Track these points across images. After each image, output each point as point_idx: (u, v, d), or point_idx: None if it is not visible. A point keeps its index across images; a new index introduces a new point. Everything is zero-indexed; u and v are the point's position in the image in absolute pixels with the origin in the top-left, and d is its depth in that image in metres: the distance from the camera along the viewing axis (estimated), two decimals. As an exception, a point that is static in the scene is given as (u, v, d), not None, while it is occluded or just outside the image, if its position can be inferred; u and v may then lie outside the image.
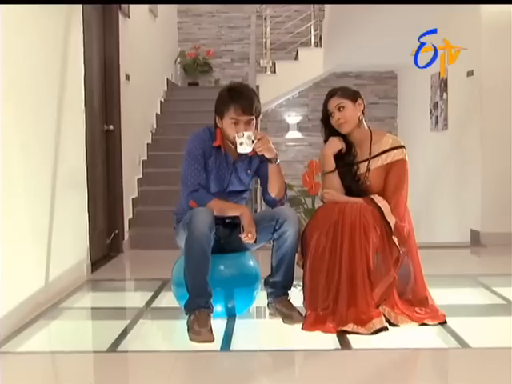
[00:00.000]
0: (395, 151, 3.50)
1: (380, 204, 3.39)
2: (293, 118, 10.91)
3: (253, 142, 3.28)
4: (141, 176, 6.94)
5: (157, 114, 8.12)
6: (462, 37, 6.39)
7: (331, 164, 3.53)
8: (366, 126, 3.57)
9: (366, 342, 3.10)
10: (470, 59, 6.32)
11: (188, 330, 3.15)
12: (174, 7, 10.20)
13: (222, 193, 3.46)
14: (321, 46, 9.45)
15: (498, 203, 6.10)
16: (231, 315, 3.51)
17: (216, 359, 3.01)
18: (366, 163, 3.53)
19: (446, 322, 3.37)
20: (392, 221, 3.38)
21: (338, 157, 3.54)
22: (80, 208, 4.68)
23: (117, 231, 5.85)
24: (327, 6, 8.77)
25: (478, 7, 6.09)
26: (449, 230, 7.13)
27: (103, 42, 5.73)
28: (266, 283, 3.50)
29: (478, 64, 6.19)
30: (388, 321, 3.28)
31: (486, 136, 6.18)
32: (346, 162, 3.54)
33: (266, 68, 9.58)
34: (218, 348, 3.05)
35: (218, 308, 3.38)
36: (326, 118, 3.56)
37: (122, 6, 6.06)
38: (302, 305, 3.44)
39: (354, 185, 3.50)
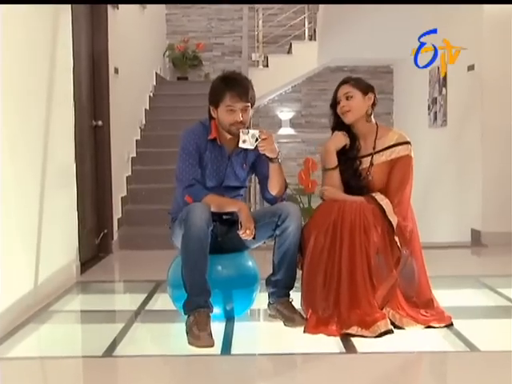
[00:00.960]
0: (400, 147, 3.51)
1: (382, 203, 3.39)
2: (285, 113, 10.91)
3: (256, 140, 3.27)
4: (130, 173, 6.91)
5: (145, 109, 8.09)
6: (463, 30, 6.41)
7: (333, 160, 3.53)
8: (373, 121, 3.58)
9: (370, 346, 3.09)
10: (470, 53, 6.31)
11: (187, 332, 3.14)
12: (162, -3, 10.17)
13: (217, 188, 3.46)
14: (315, 39, 9.45)
15: (500, 202, 6.11)
16: (230, 318, 3.50)
17: (217, 364, 3.00)
18: (369, 158, 3.53)
19: (452, 324, 3.37)
20: (394, 220, 3.38)
21: (341, 151, 3.55)
22: (69, 207, 4.65)
23: (106, 231, 5.82)
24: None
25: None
26: (448, 229, 7.14)
27: (92, 33, 5.70)
28: (268, 282, 3.49)
29: (478, 58, 6.20)
30: (393, 323, 3.28)
31: (487, 132, 6.19)
32: (348, 156, 3.54)
33: (258, 62, 9.58)
34: (219, 352, 3.04)
35: (216, 310, 3.35)
36: (334, 104, 3.58)
37: (111, -4, 6.03)
38: (300, 306, 3.44)
39: (353, 180, 3.50)
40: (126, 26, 6.76)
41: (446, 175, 7.32)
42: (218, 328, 3.26)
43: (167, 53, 10.05)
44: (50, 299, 4.06)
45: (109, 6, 5.95)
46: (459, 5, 6.36)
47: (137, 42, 7.56)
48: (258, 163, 3.53)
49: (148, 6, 8.25)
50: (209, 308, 3.20)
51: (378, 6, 6.93)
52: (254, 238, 3.34)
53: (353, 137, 3.56)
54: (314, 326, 3.27)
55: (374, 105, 3.55)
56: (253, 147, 3.29)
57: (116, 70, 6.19)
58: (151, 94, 8.55)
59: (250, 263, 3.61)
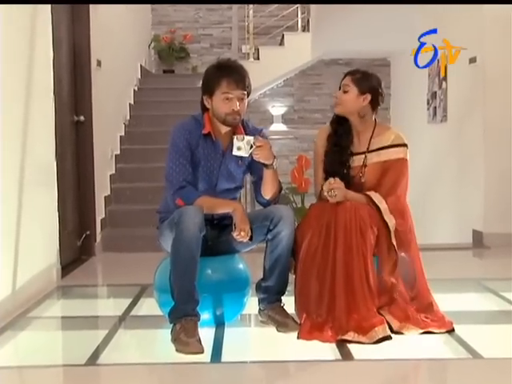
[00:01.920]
0: (395, 149, 3.53)
1: (380, 206, 3.40)
2: (277, 108, 10.91)
3: (251, 147, 3.27)
4: (113, 172, 6.90)
5: (130, 104, 8.08)
6: (465, 20, 6.42)
7: (320, 156, 3.61)
8: (372, 119, 3.60)
9: (368, 352, 3.09)
10: (472, 45, 6.34)
11: (173, 340, 3.13)
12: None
13: (211, 190, 3.44)
14: (308, 30, 9.47)
15: (502, 202, 6.13)
16: (219, 323, 3.49)
17: (206, 372, 2.99)
18: (361, 156, 3.55)
19: (453, 329, 3.38)
20: (391, 221, 3.39)
21: (334, 134, 3.59)
22: (50, 207, 4.64)
23: (88, 232, 5.81)
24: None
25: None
26: (449, 230, 7.16)
27: (72, 23, 5.68)
28: (258, 288, 3.49)
29: (481, 50, 6.21)
30: (391, 329, 3.28)
31: (489, 129, 6.21)
32: (339, 141, 3.55)
33: (248, 54, 9.57)
34: (208, 359, 3.04)
35: (206, 316, 3.35)
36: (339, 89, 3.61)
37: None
38: (294, 311, 3.45)
39: (340, 172, 3.50)
40: (108, 16, 6.74)
41: (446, 174, 7.34)
42: (207, 334, 3.26)
43: (152, 44, 10.04)
44: (29, 305, 4.04)
45: (91, -5, 5.94)
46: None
47: (120, 33, 7.55)
48: (254, 161, 3.49)
49: (132, -6, 8.25)
50: (196, 316, 3.19)
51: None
52: (250, 239, 3.33)
53: (348, 127, 3.58)
54: (308, 331, 3.27)
55: (375, 106, 3.56)
56: (247, 155, 3.29)
57: (98, 63, 6.17)
58: (136, 88, 8.53)
59: (241, 266, 3.61)
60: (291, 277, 3.50)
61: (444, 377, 3.04)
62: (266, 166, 3.36)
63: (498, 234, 6.06)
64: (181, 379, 2.93)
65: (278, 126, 10.83)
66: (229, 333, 3.42)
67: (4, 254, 3.81)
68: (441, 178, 7.54)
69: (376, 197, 3.44)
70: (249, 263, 3.67)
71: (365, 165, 3.53)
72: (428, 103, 7.90)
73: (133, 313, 3.94)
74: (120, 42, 7.47)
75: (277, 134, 10.87)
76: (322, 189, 3.48)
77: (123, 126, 7.62)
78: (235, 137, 3.29)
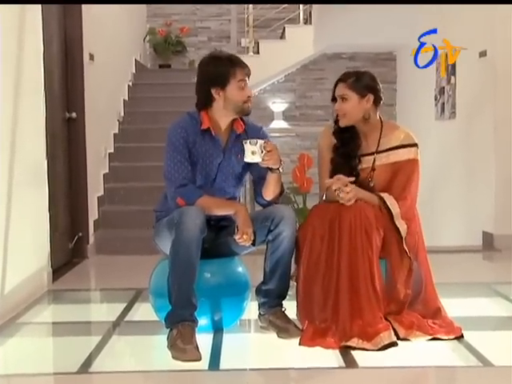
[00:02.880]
0: (405, 149, 3.52)
1: (393, 211, 3.39)
2: (278, 105, 10.92)
3: (262, 151, 3.28)
4: (107, 171, 6.90)
5: (124, 100, 8.08)
6: (475, 13, 6.41)
7: (325, 158, 3.60)
8: (377, 117, 3.58)
9: (373, 359, 3.10)
10: (482, 38, 6.35)
11: (170, 347, 3.13)
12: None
13: (208, 187, 3.45)
14: (310, 23, 9.47)
15: (514, 202, 6.14)
16: (218, 329, 3.49)
17: (204, 379, 3.01)
18: (370, 158, 3.54)
19: (462, 336, 3.38)
20: (403, 227, 3.39)
21: (340, 145, 3.57)
22: (40, 207, 4.63)
23: (80, 234, 5.81)
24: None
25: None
26: (457, 232, 7.16)
27: (64, 16, 5.68)
28: (258, 292, 3.49)
29: (491, 43, 6.21)
30: (397, 335, 3.28)
31: (500, 126, 6.20)
32: (346, 151, 3.55)
33: (247, 48, 9.57)
34: (206, 367, 3.04)
35: (203, 321, 3.35)
36: (333, 99, 3.59)
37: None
38: (295, 317, 3.45)
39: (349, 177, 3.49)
40: (102, 8, 6.74)
41: (455, 172, 7.34)
42: (205, 340, 3.26)
43: (148, 38, 10.04)
44: (19, 310, 4.04)
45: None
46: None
47: (114, 26, 7.55)
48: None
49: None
50: (194, 322, 3.20)
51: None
52: (253, 243, 3.34)
53: (354, 133, 3.57)
54: (311, 337, 3.27)
55: (376, 105, 3.54)
56: (261, 159, 3.29)
57: (91, 57, 6.17)
58: (130, 84, 8.53)
59: (240, 269, 3.61)
60: (292, 281, 3.50)
61: (453, 385, 3.05)
62: (271, 170, 3.38)
63: (510, 236, 6.05)
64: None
65: (279, 123, 10.85)
66: (227, 339, 3.42)
67: (-8, 256, 3.82)
68: (449, 176, 7.53)
69: (389, 199, 3.42)
70: (248, 266, 3.67)
71: (373, 168, 3.52)
72: (436, 99, 7.90)
73: (127, 318, 3.94)
74: (114, 35, 7.47)
75: (278, 132, 10.86)
76: (327, 190, 3.45)
77: (117, 123, 7.63)
78: (248, 141, 3.29)
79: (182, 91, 8.01)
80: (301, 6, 9.80)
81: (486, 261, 6.03)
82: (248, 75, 3.44)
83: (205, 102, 3.45)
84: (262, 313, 3.51)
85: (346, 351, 3.17)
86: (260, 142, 3.28)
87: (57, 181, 5.30)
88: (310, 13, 9.54)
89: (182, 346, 3.07)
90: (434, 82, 7.88)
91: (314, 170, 3.91)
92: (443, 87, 7.58)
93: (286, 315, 3.45)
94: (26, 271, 4.29)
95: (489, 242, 6.23)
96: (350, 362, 3.07)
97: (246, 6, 9.76)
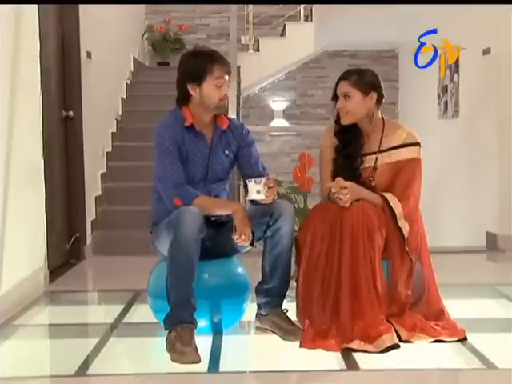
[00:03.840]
0: (407, 149, 3.52)
1: (396, 211, 3.39)
2: (278, 103, 10.91)
3: (265, 189, 3.30)
4: (105, 170, 6.90)
5: (122, 99, 8.07)
6: (478, 9, 6.40)
7: (326, 157, 3.61)
8: (379, 116, 3.58)
9: (375, 362, 3.10)
10: (486, 35, 6.35)
11: (169, 349, 3.13)
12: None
13: (203, 181, 3.47)
14: (311, 20, 9.46)
15: (518, 202, 6.14)
16: (217, 331, 3.50)
17: (203, 382, 3.01)
18: (372, 157, 3.54)
19: (466, 338, 3.38)
20: (405, 228, 3.39)
21: (342, 145, 3.56)
22: (37, 208, 4.64)
23: (77, 235, 5.81)
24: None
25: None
26: (461, 232, 7.17)
27: (61, 12, 5.68)
28: (259, 292, 3.49)
29: (495, 41, 6.21)
30: (399, 337, 3.28)
31: (504, 124, 6.20)
32: (348, 152, 3.55)
33: (247, 46, 9.58)
34: (205, 369, 3.04)
35: (202, 323, 3.36)
36: (334, 98, 3.59)
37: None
38: (295, 318, 3.45)
39: (350, 179, 3.49)
40: (99, 6, 6.73)
41: (458, 172, 7.34)
42: (204, 342, 3.26)
43: (146, 35, 10.02)
44: (15, 312, 4.04)
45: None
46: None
47: (112, 23, 7.54)
48: (241, 155, 3.56)
49: (124, -18, 8.25)
50: (193, 324, 3.20)
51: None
52: (251, 244, 3.34)
53: (356, 133, 3.57)
54: (311, 339, 3.27)
55: (379, 102, 3.55)
56: (264, 196, 3.30)
57: (88, 55, 6.17)
58: (128, 82, 8.52)
59: (240, 270, 3.61)
60: (292, 281, 3.50)
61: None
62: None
63: (514, 237, 6.06)
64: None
65: (279, 122, 10.84)
66: (227, 341, 3.42)
67: (-12, 257, 3.82)
68: (452, 176, 7.54)
69: (392, 200, 3.42)
70: (248, 267, 3.67)
71: (375, 167, 3.53)
72: (439, 97, 7.90)
73: (125, 320, 3.95)
74: (111, 33, 7.47)
75: (278, 131, 10.90)
76: (330, 191, 3.45)
77: (115, 121, 7.61)
78: (252, 180, 3.30)
79: (181, 89, 8.00)
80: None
81: (490, 261, 6.04)
82: (228, 73, 3.44)
83: (182, 98, 3.47)
84: (263, 313, 3.50)
85: (347, 353, 3.18)
86: (264, 180, 3.30)
87: (53, 180, 5.30)
88: (311, 10, 9.53)
89: (180, 348, 3.07)
90: (437, 80, 7.88)
91: (315, 169, 3.90)
92: (446, 85, 7.58)
93: (288, 317, 3.46)
94: (22, 272, 4.29)
95: (492, 243, 6.23)
96: (351, 365, 3.08)
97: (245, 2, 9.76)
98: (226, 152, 3.53)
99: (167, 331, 3.21)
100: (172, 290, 3.20)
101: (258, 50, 9.45)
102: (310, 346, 3.25)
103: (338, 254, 3.33)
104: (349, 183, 3.38)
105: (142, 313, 3.91)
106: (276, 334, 3.43)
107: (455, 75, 7.25)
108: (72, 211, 5.79)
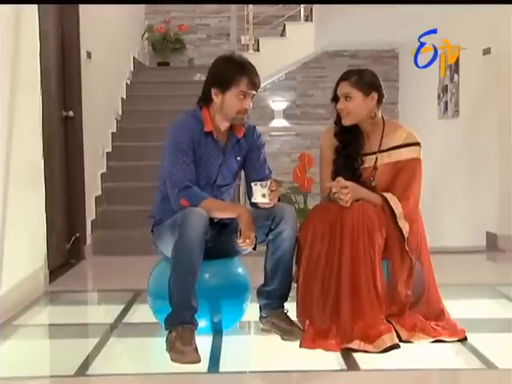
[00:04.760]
0: (407, 149, 3.52)
1: (396, 211, 3.39)
2: (278, 103, 10.91)
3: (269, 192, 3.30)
4: (105, 170, 6.90)
5: (122, 99, 8.08)
6: (479, 9, 6.40)
7: (327, 157, 3.61)
8: (380, 116, 3.58)
9: (375, 362, 3.10)
10: (486, 35, 6.35)
11: (169, 349, 3.13)
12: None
13: (209, 186, 3.47)
14: (311, 20, 9.45)
15: (518, 202, 6.14)
16: (217, 331, 3.50)
17: (203, 382, 3.01)
18: (372, 157, 3.54)
19: (466, 338, 3.38)
20: (405, 228, 3.39)
21: (342, 146, 3.56)
22: (37, 208, 4.63)
23: (78, 235, 5.81)
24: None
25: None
26: (461, 232, 7.17)
27: (61, 12, 5.68)
28: (260, 294, 3.49)
29: (495, 41, 6.21)
30: (399, 337, 3.28)
31: (505, 124, 6.19)
32: (348, 152, 3.55)
33: (247, 46, 9.55)
34: (205, 369, 3.04)
35: (203, 323, 3.35)
36: (334, 99, 3.59)
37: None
38: (296, 318, 3.45)
39: (352, 179, 3.49)
40: (99, 5, 6.73)
41: (458, 172, 7.34)
42: (204, 342, 3.26)
43: (146, 35, 10.03)
44: (15, 312, 4.04)
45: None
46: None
47: (112, 23, 7.54)
48: (250, 163, 3.57)
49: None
50: (194, 324, 3.19)
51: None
52: (254, 248, 3.34)
53: (356, 133, 3.57)
54: (311, 339, 3.27)
55: (379, 102, 3.54)
56: (268, 200, 3.31)
57: (89, 55, 6.17)
58: (128, 82, 8.53)
59: (240, 270, 3.61)
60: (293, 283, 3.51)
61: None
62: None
63: (514, 237, 6.06)
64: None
65: (279, 122, 10.84)
66: (227, 341, 3.42)
67: (-12, 257, 3.82)
68: (452, 176, 7.54)
69: (392, 200, 3.42)
70: (249, 267, 3.68)
71: (375, 167, 3.53)
72: (439, 97, 7.90)
73: (125, 320, 3.95)
74: (112, 33, 7.47)
75: (278, 131, 10.89)
76: (330, 191, 3.44)
77: (115, 121, 7.62)
78: (258, 183, 3.30)
79: (181, 89, 8.02)
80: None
81: (490, 262, 6.04)
82: (255, 88, 3.40)
83: (205, 99, 3.46)
84: (264, 315, 3.50)
85: (347, 353, 3.17)
86: (268, 183, 3.30)
87: (53, 180, 5.30)
88: (311, 10, 9.52)
89: (181, 347, 3.07)
90: (437, 80, 7.88)
91: (315, 169, 3.91)
92: (446, 85, 7.58)
93: (289, 317, 3.46)
94: (22, 272, 4.29)
95: (492, 243, 6.23)
96: (351, 365, 3.08)
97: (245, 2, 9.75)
98: (238, 158, 3.54)
99: (167, 331, 3.20)
100: (174, 291, 3.20)
101: (258, 50, 9.43)
102: (309, 346, 3.25)
103: (338, 253, 3.33)
104: (349, 183, 3.38)
105: (142, 313, 3.91)
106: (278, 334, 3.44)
107: (455, 75, 7.25)
108: (72, 211, 5.79)
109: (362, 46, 10.27)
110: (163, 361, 3.10)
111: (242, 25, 9.49)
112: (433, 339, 3.33)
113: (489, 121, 6.44)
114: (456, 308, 3.68)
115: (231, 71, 3.38)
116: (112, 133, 7.40)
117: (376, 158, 3.53)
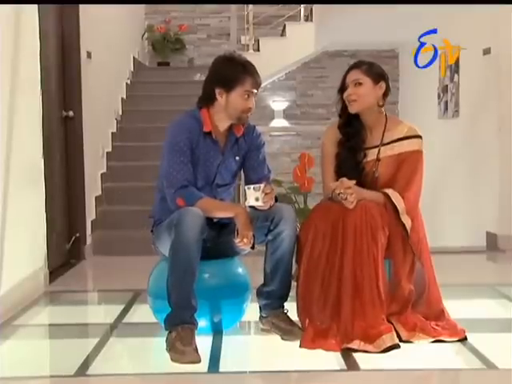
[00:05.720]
0: (409, 141, 3.53)
1: (398, 206, 3.39)
2: (278, 103, 10.91)
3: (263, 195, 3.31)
4: (105, 170, 6.90)
5: (122, 99, 8.08)
6: (479, 9, 6.40)
7: (329, 155, 3.60)
8: (383, 112, 3.60)
9: (375, 362, 3.10)
10: (486, 35, 6.35)
11: (169, 349, 3.13)
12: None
13: (208, 186, 3.47)
14: (311, 20, 9.44)
15: (518, 202, 6.13)
16: (217, 331, 3.49)
17: (203, 382, 3.01)
18: (374, 150, 3.55)
19: (466, 338, 3.38)
20: (408, 222, 3.39)
21: (346, 139, 3.58)
22: (37, 208, 4.63)
23: (78, 235, 5.81)
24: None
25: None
26: (461, 232, 7.16)
27: (61, 12, 5.68)
28: (260, 294, 3.49)
29: (495, 41, 6.21)
30: (399, 337, 3.28)
31: (505, 124, 6.19)
32: (351, 145, 3.55)
33: (247, 46, 9.55)
34: (205, 369, 3.04)
35: (203, 323, 3.35)
36: (342, 89, 3.59)
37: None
38: (296, 318, 3.45)
39: (354, 172, 3.49)
40: (99, 5, 6.73)
41: (458, 171, 7.34)
42: (204, 342, 3.26)
43: (146, 35, 10.03)
44: (15, 312, 4.04)
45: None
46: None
47: (112, 23, 7.54)
48: (249, 163, 3.57)
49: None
50: (194, 324, 3.19)
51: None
52: (252, 247, 3.35)
53: (359, 126, 3.58)
54: (311, 339, 3.27)
55: (385, 95, 3.56)
56: (262, 203, 3.31)
57: (89, 55, 6.17)
58: (128, 82, 8.53)
59: (240, 270, 3.61)
60: (293, 282, 3.50)
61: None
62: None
63: (514, 237, 6.05)
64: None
65: (280, 122, 10.83)
66: (227, 341, 3.42)
67: (-12, 258, 3.82)
68: (452, 176, 7.53)
69: (394, 196, 3.42)
70: (248, 267, 3.67)
71: (378, 159, 3.53)
72: (439, 97, 7.90)
73: (125, 320, 3.95)
74: (112, 33, 7.47)
75: (278, 131, 10.89)
76: (333, 191, 3.44)
77: (115, 121, 7.62)
78: (251, 187, 3.31)
79: (181, 89, 8.02)
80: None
81: (490, 262, 6.04)
82: (257, 87, 3.43)
83: (207, 100, 3.46)
84: (264, 315, 3.51)
85: (347, 353, 3.17)
86: (262, 186, 3.30)
87: (53, 180, 5.30)
88: (311, 10, 9.52)
89: (181, 347, 3.07)
90: (437, 80, 7.88)
91: (315, 169, 3.90)
92: (446, 85, 7.58)
93: (288, 317, 3.46)
94: (22, 272, 4.29)
95: (492, 243, 6.23)
96: (351, 365, 3.08)
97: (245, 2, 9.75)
98: (237, 158, 3.54)
99: (167, 331, 3.20)
100: (173, 291, 3.20)
101: (258, 49, 9.43)
102: (309, 346, 3.25)
103: (340, 253, 3.33)
104: (352, 183, 3.38)
105: (142, 313, 3.91)
106: (278, 334, 3.44)
107: (455, 75, 7.24)
108: (72, 211, 5.79)
109: (362, 45, 10.26)
110: (163, 361, 3.10)
111: (242, 25, 9.49)
112: (433, 339, 3.33)
113: (489, 121, 6.44)
114: (456, 308, 3.68)
115: (235, 71, 3.39)
116: (112, 133, 7.40)
117: (379, 151, 3.54)
